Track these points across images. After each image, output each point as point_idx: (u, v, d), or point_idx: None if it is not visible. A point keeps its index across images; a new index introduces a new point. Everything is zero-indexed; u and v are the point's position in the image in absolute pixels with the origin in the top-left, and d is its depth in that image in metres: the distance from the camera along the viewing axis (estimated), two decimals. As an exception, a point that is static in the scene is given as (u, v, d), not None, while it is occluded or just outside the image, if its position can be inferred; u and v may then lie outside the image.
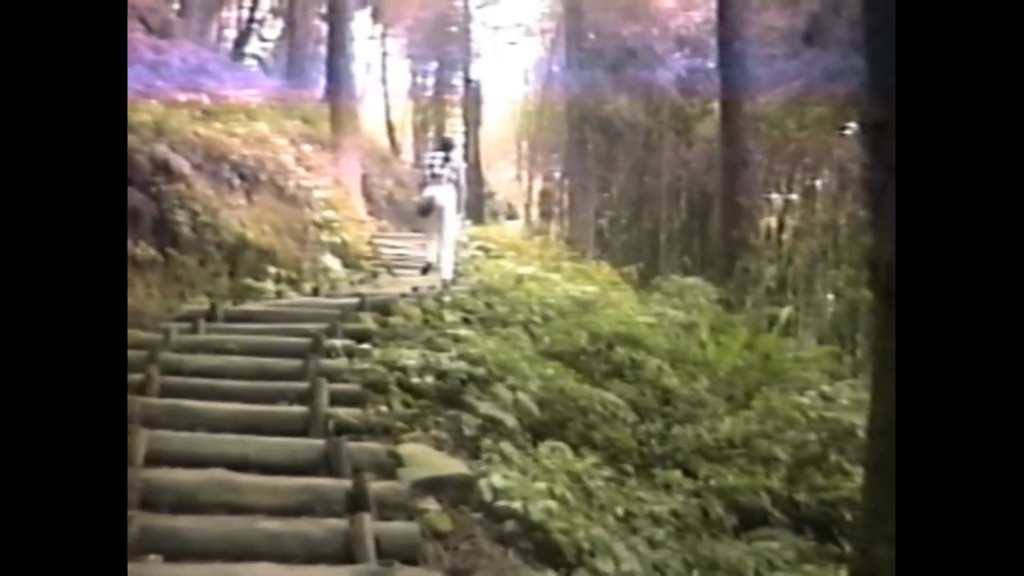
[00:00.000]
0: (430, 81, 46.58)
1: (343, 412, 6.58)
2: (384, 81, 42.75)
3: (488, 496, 5.60)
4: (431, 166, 14.18)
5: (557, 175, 39.63)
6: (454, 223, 14.42)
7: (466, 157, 39.84)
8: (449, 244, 14.32)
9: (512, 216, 37.60)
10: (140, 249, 9.90)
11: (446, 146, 14.90)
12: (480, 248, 19.85)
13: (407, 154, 43.29)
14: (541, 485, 5.84)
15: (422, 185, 14.53)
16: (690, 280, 16.03)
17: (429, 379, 7.38)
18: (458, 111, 43.27)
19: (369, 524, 4.86)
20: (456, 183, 14.06)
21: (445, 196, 13.91)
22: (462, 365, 7.65)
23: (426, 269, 14.38)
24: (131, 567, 3.80)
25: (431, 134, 44.72)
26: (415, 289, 11.99)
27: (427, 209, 14.10)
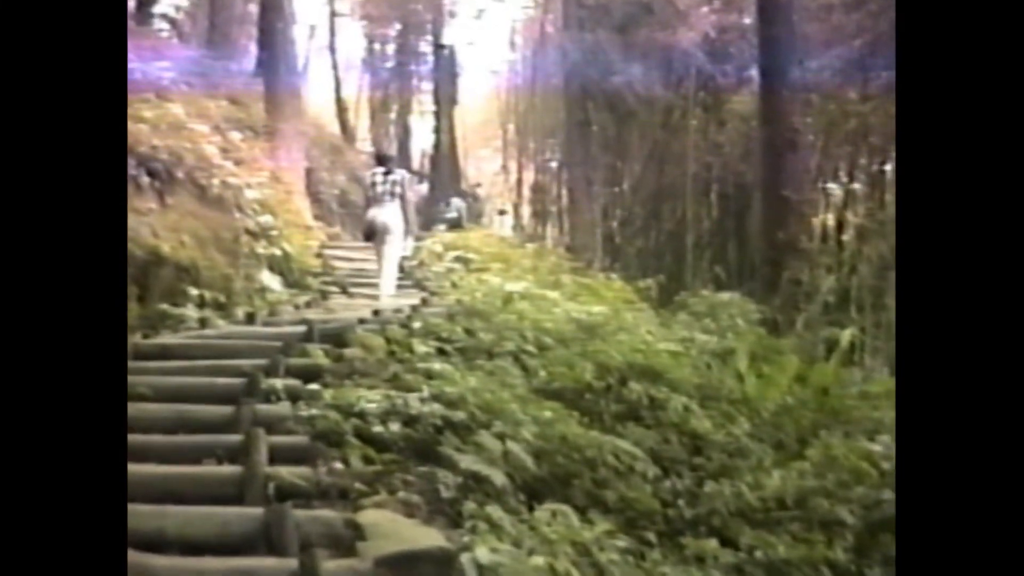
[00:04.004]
0: (391, 48, 46.50)
1: (287, 472, 6.57)
2: (333, 49, 42.66)
3: (473, 575, 5.59)
4: (373, 184, 15.99)
5: (554, 165, 39.68)
6: (397, 245, 16.04)
7: (438, 144, 40.14)
8: (391, 268, 15.97)
9: (475, 214, 37.49)
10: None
11: (383, 160, 17.06)
12: (458, 259, 19.92)
13: (364, 142, 43.25)
14: (540, 560, 5.82)
15: (365, 207, 16.35)
16: (724, 296, 16.06)
17: (396, 427, 7.38)
18: (428, 86, 43.30)
19: (322, 614, 4.85)
20: (402, 197, 15.81)
21: (389, 216, 15.65)
22: (437, 408, 7.66)
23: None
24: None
25: (393, 116, 44.70)
26: (376, 313, 12.01)
27: (369, 233, 15.96)
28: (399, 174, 16.25)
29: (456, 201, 32.79)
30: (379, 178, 15.92)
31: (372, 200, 15.92)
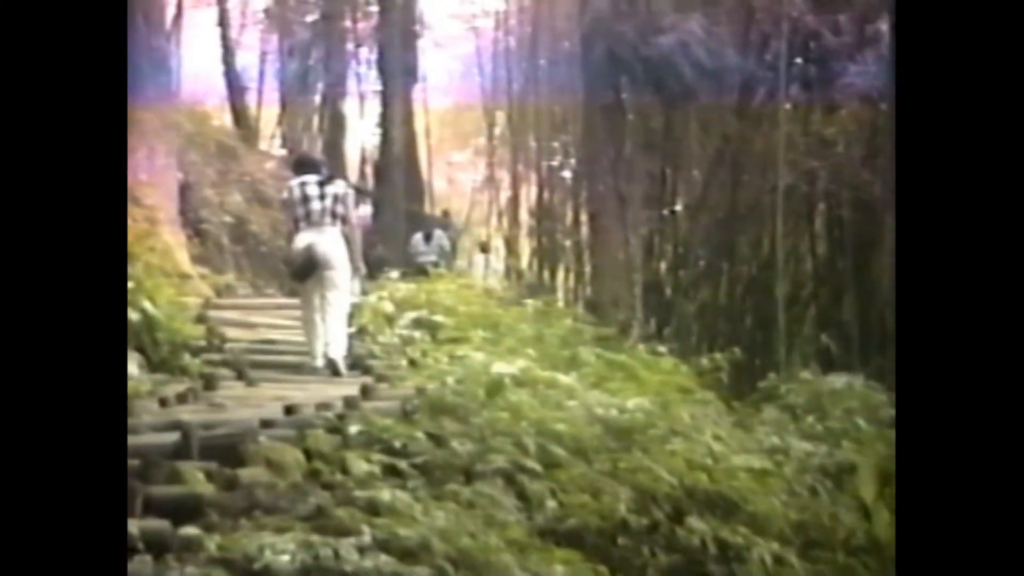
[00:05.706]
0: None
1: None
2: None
3: None
4: (305, 199, 16.27)
5: (567, 176, 39.79)
6: (344, 290, 16.45)
7: (386, 144, 40.14)
8: (340, 320, 16.25)
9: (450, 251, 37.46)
10: None
11: (307, 166, 17.54)
12: (419, 324, 19.92)
13: (272, 140, 43.33)
14: None
15: (291, 231, 16.79)
16: (838, 380, 16.10)
17: (319, 595, 7.35)
18: (370, 54, 43.42)
19: None
20: (344, 219, 16.32)
21: (330, 245, 16.09)
22: (386, 562, 7.62)
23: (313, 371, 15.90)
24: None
25: (317, 100, 44.68)
26: (290, 411, 11.97)
27: (305, 269, 16.17)
28: (340, 186, 16.71)
29: (439, 234, 32.35)
30: (313, 190, 16.20)
31: (303, 221, 16.21)
